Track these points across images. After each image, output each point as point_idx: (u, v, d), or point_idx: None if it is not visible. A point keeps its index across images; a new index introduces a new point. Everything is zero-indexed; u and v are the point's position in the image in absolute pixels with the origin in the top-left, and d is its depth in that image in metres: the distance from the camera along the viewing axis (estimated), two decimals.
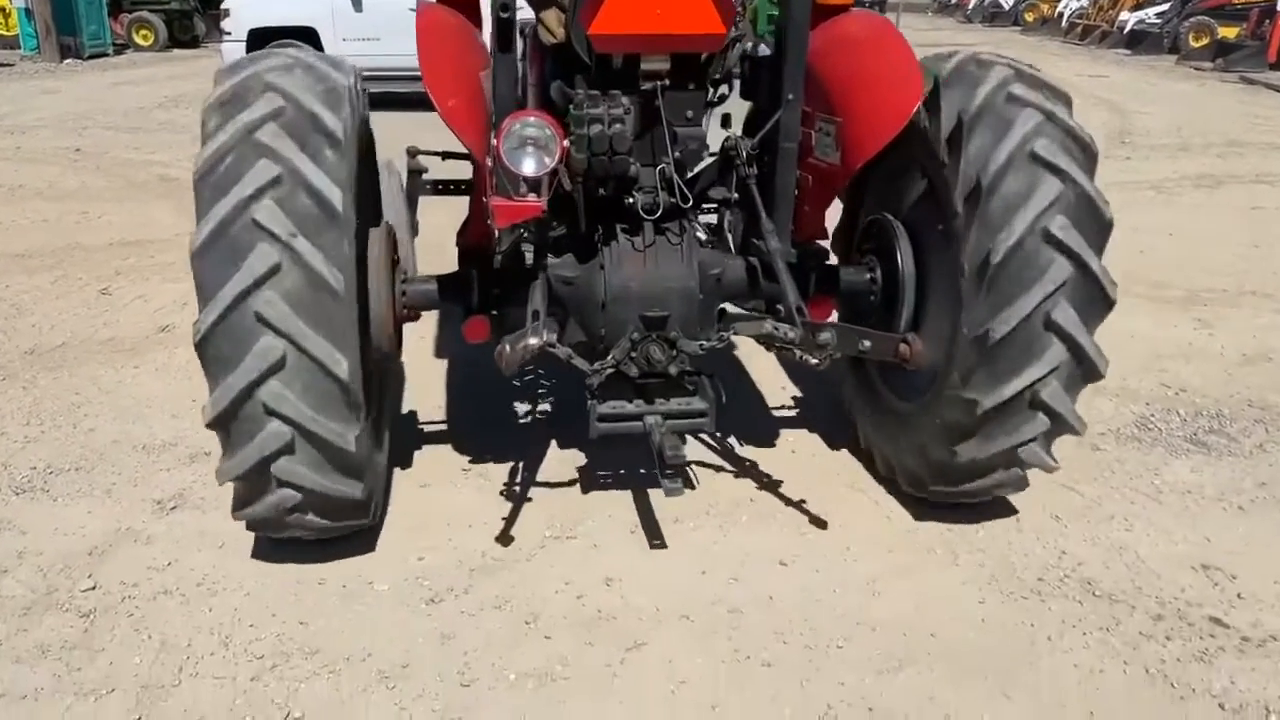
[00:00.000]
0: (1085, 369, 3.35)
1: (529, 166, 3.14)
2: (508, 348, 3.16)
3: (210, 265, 2.91)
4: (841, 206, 4.38)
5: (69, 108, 14.67)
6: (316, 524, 3.31)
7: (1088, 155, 3.32)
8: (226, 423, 3.03)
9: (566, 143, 3.22)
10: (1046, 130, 3.27)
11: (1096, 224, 3.27)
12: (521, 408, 4.77)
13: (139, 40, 24.76)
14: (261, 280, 2.88)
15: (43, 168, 10.34)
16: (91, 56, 22.81)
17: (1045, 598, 3.41)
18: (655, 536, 3.72)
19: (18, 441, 4.44)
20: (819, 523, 3.83)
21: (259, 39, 13.95)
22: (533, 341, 3.16)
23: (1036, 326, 3.25)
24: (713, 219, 4.36)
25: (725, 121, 4.14)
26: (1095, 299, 3.29)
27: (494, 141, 3.11)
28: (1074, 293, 3.24)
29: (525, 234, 3.65)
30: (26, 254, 7.29)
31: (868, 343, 3.48)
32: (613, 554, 3.62)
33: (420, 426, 4.60)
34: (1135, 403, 5.00)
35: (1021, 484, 3.68)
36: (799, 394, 5.03)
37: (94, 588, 3.37)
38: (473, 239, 3.64)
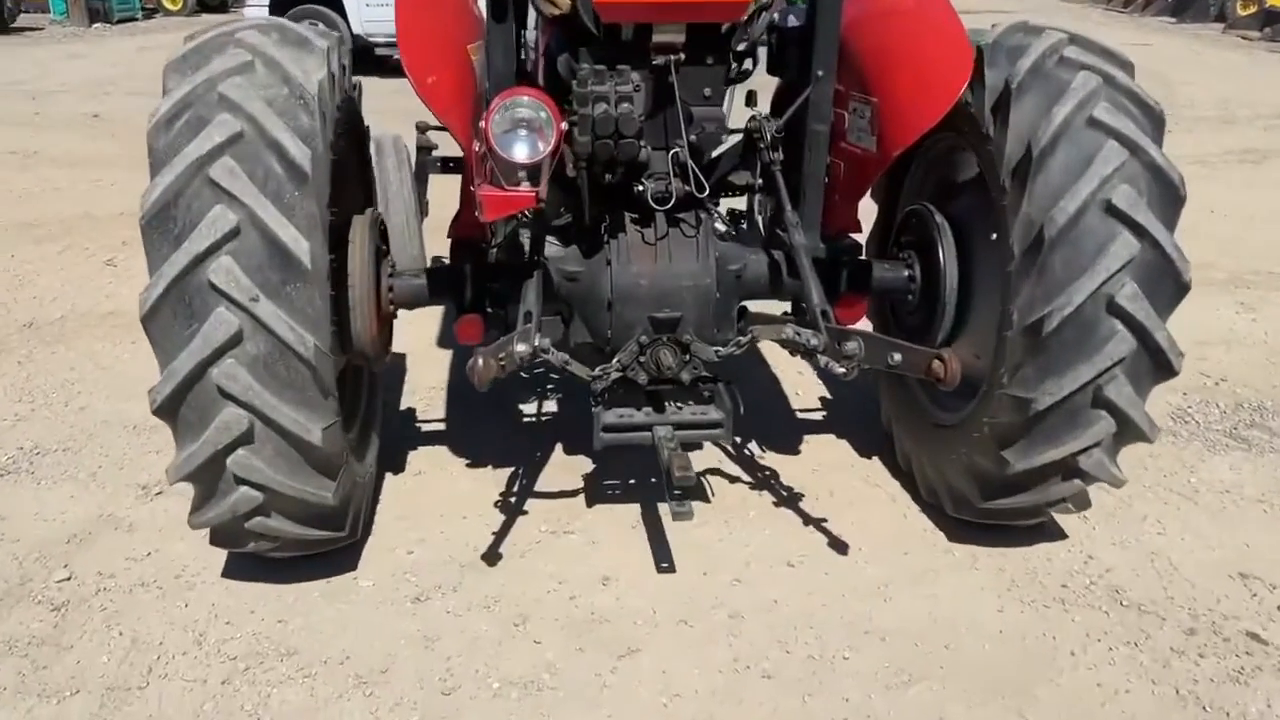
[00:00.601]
0: (1157, 362, 2.98)
1: (521, 152, 2.87)
2: (480, 361, 2.79)
3: (162, 329, 2.67)
4: (879, 197, 4.10)
5: (93, 73, 14.59)
6: (293, 552, 3.17)
7: (1154, 121, 2.99)
8: (195, 482, 2.87)
9: (565, 124, 2.94)
10: (1106, 94, 2.93)
11: (1167, 196, 2.93)
12: (528, 399, 4.57)
13: (168, 4, 24.73)
14: (222, 350, 2.64)
15: (60, 134, 10.25)
16: (120, 21, 22.79)
17: (1069, 607, 3.19)
18: (656, 533, 3.54)
19: (7, 420, 4.32)
20: (830, 522, 3.62)
21: (282, 4, 13.77)
22: (520, 349, 2.86)
23: (1099, 312, 2.88)
24: (738, 207, 4.07)
25: (750, 99, 3.86)
26: (1167, 281, 2.92)
27: (483, 124, 2.86)
28: (1142, 273, 2.87)
29: (523, 221, 3.38)
30: (36, 223, 7.18)
31: (898, 356, 3.02)
32: (611, 551, 3.44)
33: (421, 415, 4.43)
34: (1171, 393, 4.72)
35: (1083, 500, 3.31)
36: (820, 379, 4.80)
37: (69, 579, 3.24)
38: (465, 230, 3.36)
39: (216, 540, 3.07)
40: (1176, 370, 3.03)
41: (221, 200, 2.61)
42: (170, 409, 2.74)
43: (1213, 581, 3.32)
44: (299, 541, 3.07)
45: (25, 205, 7.61)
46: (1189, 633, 3.08)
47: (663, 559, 3.41)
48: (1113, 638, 3.05)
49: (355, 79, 3.45)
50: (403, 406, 4.47)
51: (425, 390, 4.61)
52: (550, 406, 4.51)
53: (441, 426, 4.35)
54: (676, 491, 2.96)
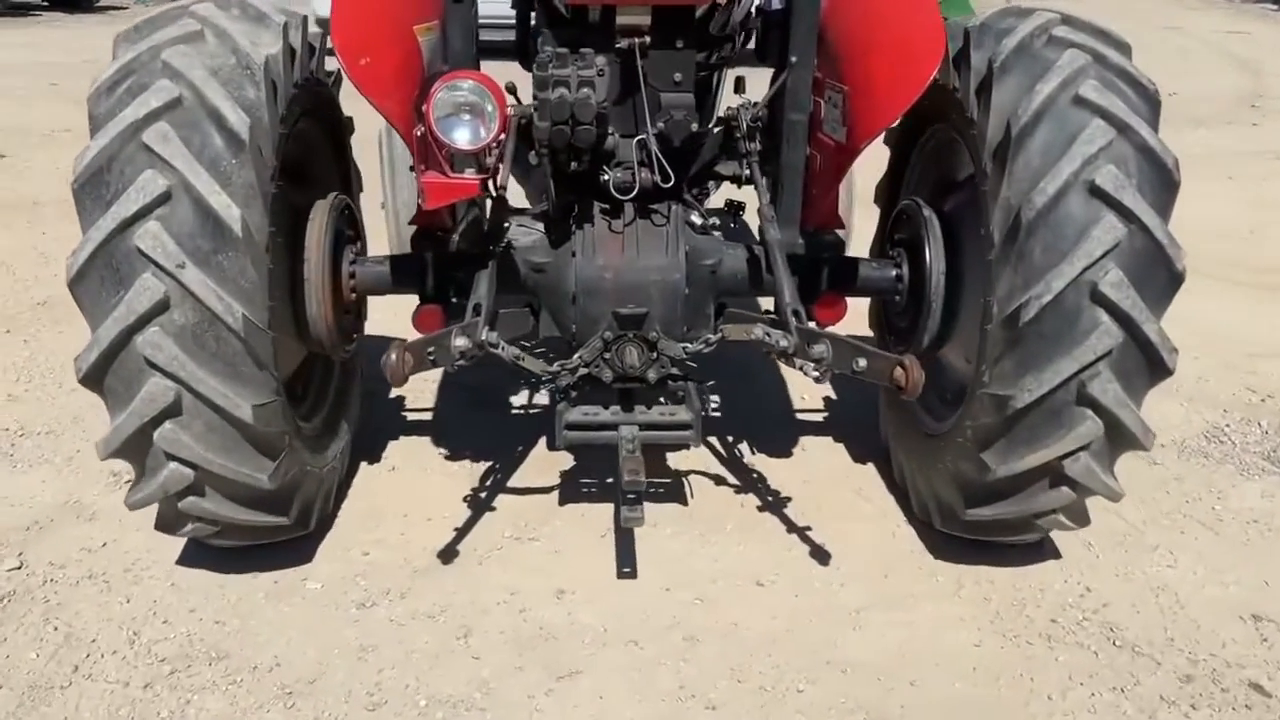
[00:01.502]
0: (1147, 359, 2.75)
1: (462, 137, 2.76)
2: (394, 356, 2.61)
3: (90, 294, 2.61)
4: (881, 195, 3.87)
5: None
6: (240, 540, 3.09)
7: (1149, 102, 2.77)
8: (125, 458, 2.81)
9: (510, 110, 2.81)
10: (1095, 71, 2.73)
11: (1160, 180, 2.71)
12: (518, 394, 4.42)
13: None
14: (147, 317, 2.57)
15: None
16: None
17: (1054, 644, 2.94)
18: (625, 544, 3.36)
19: (0, 399, 4.32)
20: (810, 538, 3.41)
21: None
22: (459, 343, 2.71)
23: (1081, 301, 2.66)
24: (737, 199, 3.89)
25: (738, 86, 3.68)
26: (1158, 270, 2.70)
27: (424, 107, 2.73)
28: (1129, 261, 2.65)
29: (483, 209, 3.25)
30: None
31: (863, 361, 2.79)
32: (573, 561, 3.28)
33: (407, 406, 4.32)
34: (1210, 408, 4.40)
35: (1078, 512, 3.04)
36: (816, 384, 4.54)
37: (19, 568, 3.20)
38: (424, 219, 3.25)
39: (159, 524, 3.00)
40: (1170, 369, 2.78)
41: (155, 165, 2.55)
42: (96, 378, 2.69)
43: (1220, 623, 3.04)
44: (241, 528, 2.98)
45: (67, 182, 7.69)
46: (1184, 680, 2.81)
47: (625, 572, 3.24)
48: (1098, 681, 2.80)
49: (334, 69, 3.35)
50: (391, 396, 4.36)
51: (415, 381, 4.48)
52: (541, 399, 4.36)
53: (427, 418, 4.24)
54: (629, 496, 2.84)
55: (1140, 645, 2.94)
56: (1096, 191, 2.63)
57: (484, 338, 2.78)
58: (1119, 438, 2.83)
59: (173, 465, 2.75)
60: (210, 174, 2.57)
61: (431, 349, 2.73)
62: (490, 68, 3.19)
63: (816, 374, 2.85)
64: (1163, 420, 4.17)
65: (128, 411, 2.67)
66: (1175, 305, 2.80)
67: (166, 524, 2.98)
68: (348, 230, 3.35)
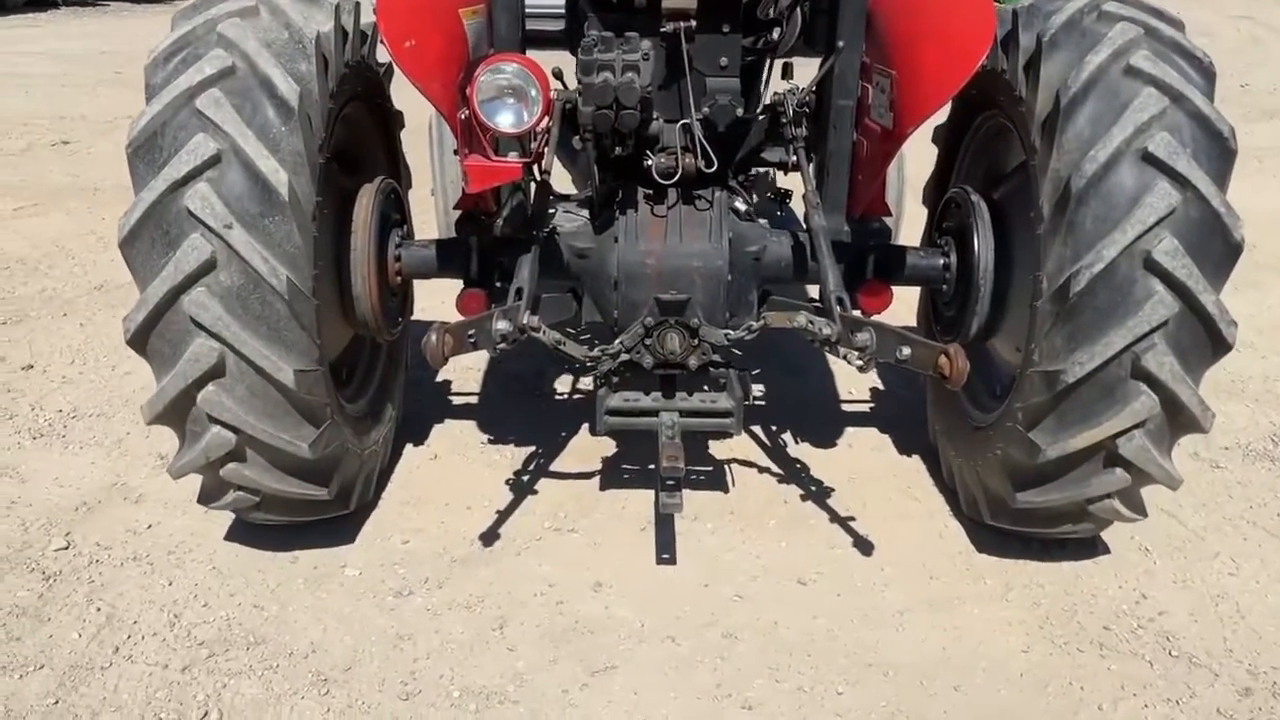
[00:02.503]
0: (1206, 330, 2.64)
1: (506, 120, 2.74)
2: (434, 337, 2.59)
3: (140, 255, 2.65)
4: (930, 186, 3.77)
5: None
6: (279, 516, 3.11)
7: (1203, 73, 2.68)
8: (170, 423, 2.84)
9: (554, 94, 2.78)
10: (1147, 43, 2.65)
11: (1215, 149, 2.61)
12: (560, 382, 4.40)
13: None
14: (194, 277, 2.60)
15: None
16: None
17: (1107, 652, 2.84)
18: (665, 537, 3.32)
19: (55, 381, 4.40)
20: (854, 536, 3.34)
21: None
22: (500, 326, 2.67)
23: (1134, 270, 2.57)
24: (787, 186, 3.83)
25: (786, 71, 3.61)
26: (1215, 240, 2.59)
27: (468, 90, 2.71)
28: (1184, 229, 2.55)
29: (527, 194, 3.23)
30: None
31: (907, 349, 2.68)
32: (611, 554, 3.24)
33: (453, 391, 4.31)
34: (1277, 410, 4.23)
35: (1134, 500, 2.93)
36: (860, 373, 4.47)
37: (67, 547, 3.23)
38: (468, 203, 3.23)
39: (202, 497, 3.04)
40: (1230, 343, 2.67)
41: (206, 130, 2.60)
42: (142, 339, 2.73)
43: None
44: (281, 501, 3.01)
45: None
46: (1243, 693, 2.70)
47: (664, 567, 3.20)
48: (1152, 693, 2.70)
49: (386, 62, 3.35)
50: (435, 383, 4.35)
51: (461, 367, 4.49)
52: (584, 386, 4.33)
53: (473, 401, 4.23)
54: (668, 482, 2.83)
55: (1198, 656, 2.83)
56: (1149, 158, 2.55)
57: (525, 321, 2.75)
58: (1176, 416, 2.73)
59: (215, 429, 2.78)
60: (260, 139, 2.61)
61: (472, 331, 2.71)
62: (539, 57, 3.16)
63: (860, 363, 2.78)
64: (1227, 422, 4.05)
65: (173, 373, 2.71)
66: (1241, 301, 2.70)
67: (208, 495, 3.01)
68: (394, 214, 3.35)
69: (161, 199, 2.59)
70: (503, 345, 2.71)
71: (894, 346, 2.72)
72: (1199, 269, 2.57)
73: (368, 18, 3.14)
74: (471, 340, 2.71)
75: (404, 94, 3.53)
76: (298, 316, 2.70)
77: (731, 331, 3.03)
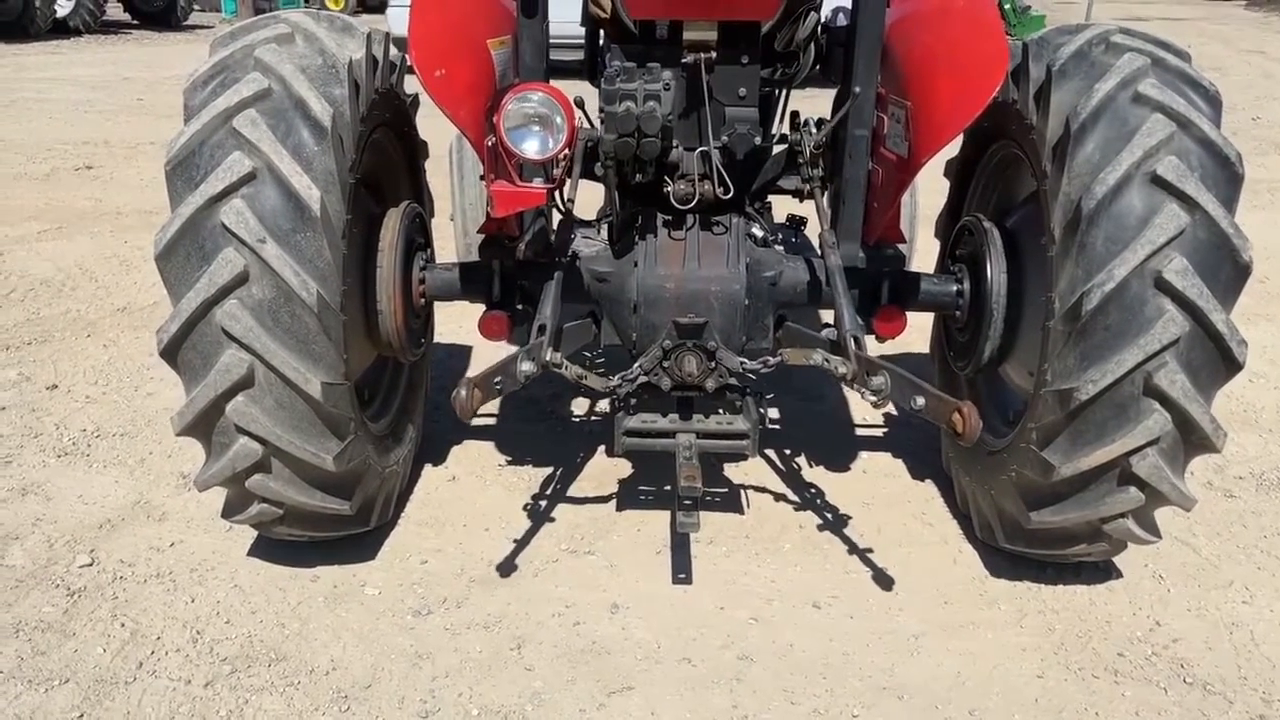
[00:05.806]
0: (1217, 350, 2.68)
1: (532, 148, 2.81)
2: (463, 392, 2.59)
3: (175, 269, 2.71)
4: (943, 214, 3.84)
5: None
6: (301, 531, 3.14)
7: (1209, 101, 2.75)
8: (198, 435, 2.88)
9: (578, 121, 2.85)
10: (1153, 72, 2.73)
11: (1223, 174, 2.67)
12: (578, 405, 4.45)
13: (330, 4, 25.79)
14: (227, 289, 2.67)
15: None
16: None
17: (1121, 679, 2.85)
18: (681, 560, 3.35)
19: (79, 401, 4.46)
20: (869, 561, 3.36)
21: None
22: (525, 368, 2.72)
23: (1145, 289, 2.62)
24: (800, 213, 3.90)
25: (793, 117, 3.68)
26: (1224, 261, 2.64)
27: (495, 118, 2.78)
28: (1194, 250, 2.61)
29: (549, 219, 3.30)
30: (156, 210, 7.46)
31: (921, 400, 2.66)
32: (627, 576, 3.27)
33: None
34: None
35: (1148, 521, 2.95)
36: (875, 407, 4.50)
37: (91, 564, 3.28)
38: (493, 225, 3.30)
39: (226, 511, 3.08)
40: (1240, 362, 2.70)
41: (242, 148, 2.67)
42: (174, 350, 2.78)
43: None
44: (303, 515, 3.04)
45: (151, 193, 7.93)
46: None
47: (680, 589, 3.22)
48: (1166, 719, 2.71)
49: (413, 93, 3.43)
50: (445, 412, 4.39)
51: None
52: (601, 409, 4.38)
53: (491, 423, 4.27)
54: (685, 501, 2.90)
55: (1212, 683, 2.84)
56: (1158, 181, 2.61)
57: (548, 358, 2.81)
58: (1189, 435, 2.76)
59: (242, 440, 2.82)
60: (294, 158, 2.68)
61: (498, 379, 2.74)
62: (559, 86, 3.24)
63: (874, 399, 2.81)
64: (1240, 451, 4.07)
65: (203, 384, 2.76)
66: (1253, 332, 2.74)
67: (232, 508, 3.05)
68: (419, 238, 3.42)
69: (197, 214, 2.66)
70: (526, 381, 2.78)
71: (909, 395, 2.71)
72: (1209, 289, 2.62)
73: (392, 47, 3.23)
74: (498, 386, 2.75)
75: (425, 125, 3.62)
76: (326, 330, 2.76)
77: (748, 362, 3.08)
